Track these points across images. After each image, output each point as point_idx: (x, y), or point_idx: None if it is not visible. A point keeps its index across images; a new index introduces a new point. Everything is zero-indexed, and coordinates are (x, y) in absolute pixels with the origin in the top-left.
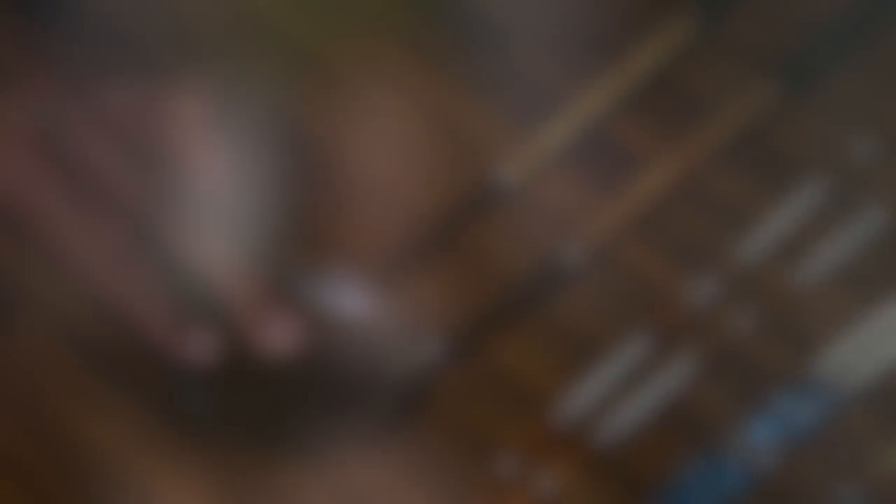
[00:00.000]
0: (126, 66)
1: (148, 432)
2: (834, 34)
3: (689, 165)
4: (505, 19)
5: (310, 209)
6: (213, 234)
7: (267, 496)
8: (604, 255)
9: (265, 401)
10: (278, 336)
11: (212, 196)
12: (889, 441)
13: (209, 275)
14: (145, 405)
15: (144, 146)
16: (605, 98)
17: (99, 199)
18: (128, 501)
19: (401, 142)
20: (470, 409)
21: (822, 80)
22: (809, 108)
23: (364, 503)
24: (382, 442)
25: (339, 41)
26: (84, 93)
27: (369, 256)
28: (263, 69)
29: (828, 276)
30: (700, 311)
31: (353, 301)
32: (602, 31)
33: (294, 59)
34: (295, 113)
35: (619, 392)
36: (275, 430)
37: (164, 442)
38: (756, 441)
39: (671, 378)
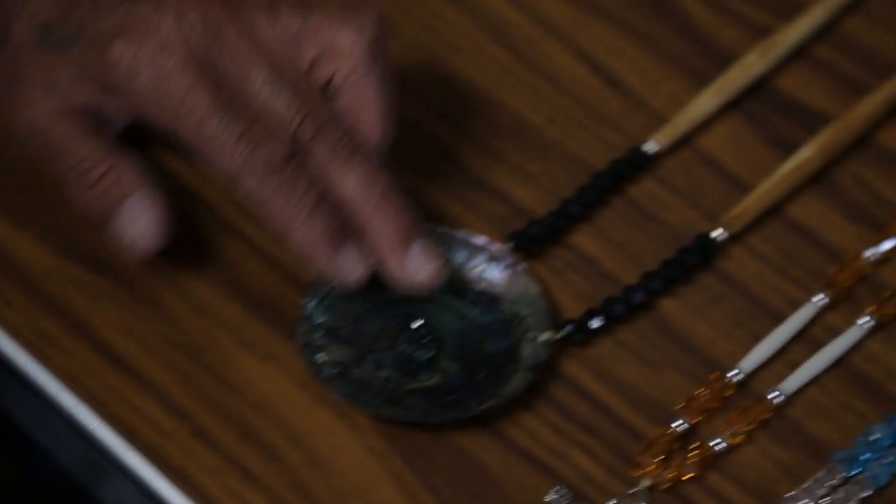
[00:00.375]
0: None
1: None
2: None
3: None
4: None
5: (474, 155)
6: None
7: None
8: (773, 215)
9: None
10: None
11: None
12: None
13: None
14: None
15: (296, 71)
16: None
17: (250, 120)
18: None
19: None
20: (644, 369)
21: None
22: None
23: None
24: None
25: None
26: (240, 14)
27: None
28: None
29: None
30: (878, 270)
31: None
32: None
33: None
34: (458, 63)
35: (797, 352)
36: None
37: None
38: None
39: (850, 338)
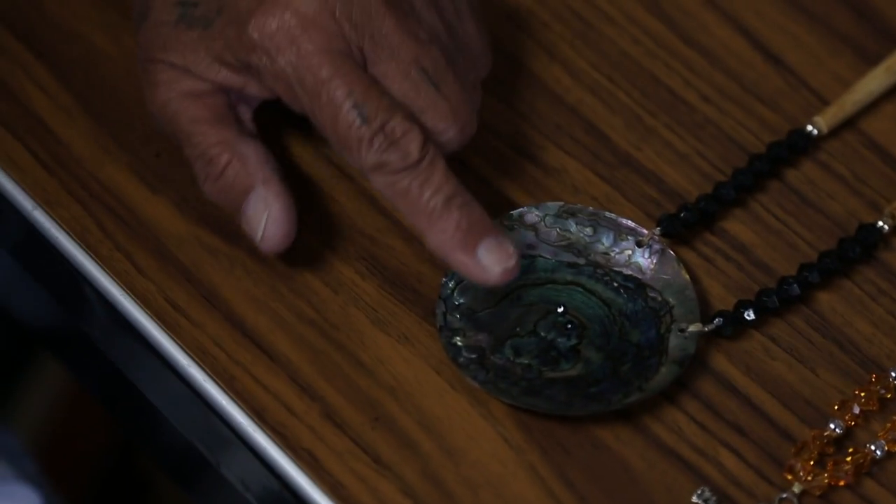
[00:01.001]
0: None
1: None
2: None
3: None
4: None
5: (623, 131)
6: None
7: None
8: None
9: None
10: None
11: None
12: None
13: None
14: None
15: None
16: None
17: (389, 112)
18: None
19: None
20: (797, 366)
21: None
22: None
23: None
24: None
25: None
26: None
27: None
28: None
29: None
30: None
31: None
32: None
33: None
34: (610, 32)
35: None
36: None
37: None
38: None
39: None
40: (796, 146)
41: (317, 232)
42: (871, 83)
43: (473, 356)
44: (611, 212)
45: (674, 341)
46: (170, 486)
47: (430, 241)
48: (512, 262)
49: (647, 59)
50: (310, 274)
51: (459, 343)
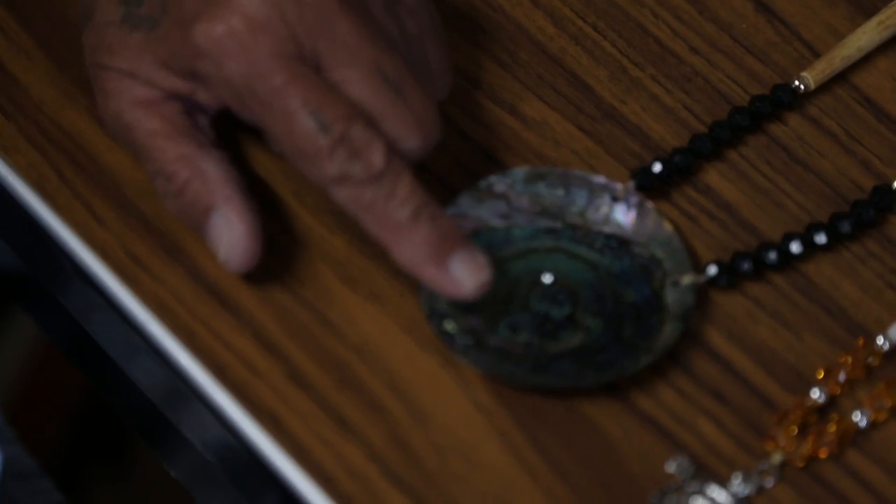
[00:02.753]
0: None
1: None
2: None
3: None
4: None
5: (607, 83)
6: None
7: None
8: None
9: None
10: None
11: None
12: None
13: None
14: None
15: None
16: None
17: (348, 120)
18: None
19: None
20: (781, 331)
21: None
22: None
23: None
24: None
25: None
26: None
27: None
28: None
29: None
30: None
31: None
32: None
33: None
34: None
35: None
36: None
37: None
38: None
39: None
40: (781, 101)
41: (286, 181)
42: (862, 38)
43: (470, 341)
44: (590, 168)
45: (670, 296)
46: (141, 445)
47: (399, 255)
48: (485, 275)
49: (635, 7)
50: (277, 226)
51: (451, 330)
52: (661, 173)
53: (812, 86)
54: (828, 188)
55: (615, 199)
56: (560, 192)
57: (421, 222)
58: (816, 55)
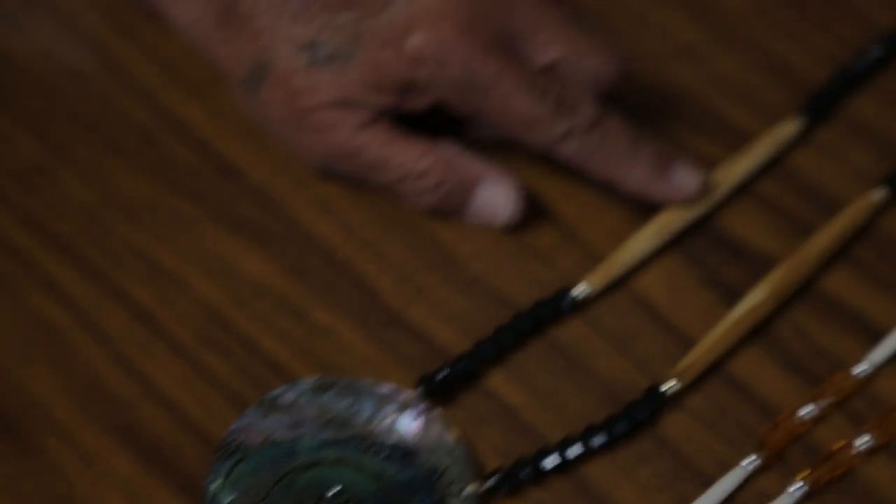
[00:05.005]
0: None
1: None
2: None
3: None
4: None
5: (394, 289)
6: None
7: None
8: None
9: None
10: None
11: None
12: None
13: None
14: None
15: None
16: None
17: (554, 83)
18: None
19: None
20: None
21: None
22: None
23: None
24: None
25: None
26: None
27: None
28: None
29: None
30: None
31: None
32: None
33: None
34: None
35: None
36: None
37: None
38: None
39: None
40: (561, 306)
41: (70, 397)
42: (642, 242)
43: None
44: (376, 375)
45: None
46: None
47: (629, 183)
48: (701, 174)
49: (419, 215)
50: (61, 445)
51: None
52: (445, 379)
53: (592, 290)
54: (606, 390)
55: (401, 407)
56: (347, 401)
57: (641, 147)
58: (598, 256)
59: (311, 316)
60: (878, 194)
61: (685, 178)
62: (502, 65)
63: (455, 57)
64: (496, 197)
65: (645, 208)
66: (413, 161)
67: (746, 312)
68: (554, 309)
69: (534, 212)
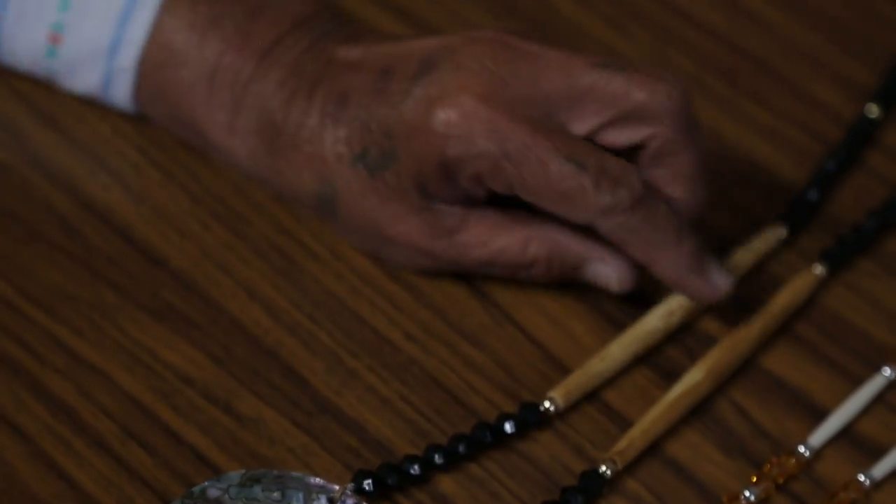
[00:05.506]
0: None
1: None
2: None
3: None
4: None
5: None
6: None
7: None
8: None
9: None
10: None
11: None
12: None
13: None
14: None
15: None
16: None
17: (595, 154)
18: None
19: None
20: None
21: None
22: None
23: None
24: None
25: None
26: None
27: None
28: None
29: None
30: None
31: None
32: None
33: None
34: None
35: None
36: None
37: None
38: None
39: None
40: (530, 420)
41: None
42: (608, 359)
43: None
44: (306, 467)
45: None
46: None
47: (665, 271)
48: (731, 279)
49: (352, 296)
50: None
51: None
52: (384, 479)
53: (562, 407)
54: (545, 475)
55: (331, 501)
56: (276, 495)
57: (684, 237)
58: (538, 345)
59: (237, 406)
60: (818, 269)
61: (720, 279)
62: (531, 132)
63: (480, 127)
64: (605, 273)
65: (612, 319)
66: (520, 253)
67: (684, 392)
68: (520, 423)
69: (467, 290)
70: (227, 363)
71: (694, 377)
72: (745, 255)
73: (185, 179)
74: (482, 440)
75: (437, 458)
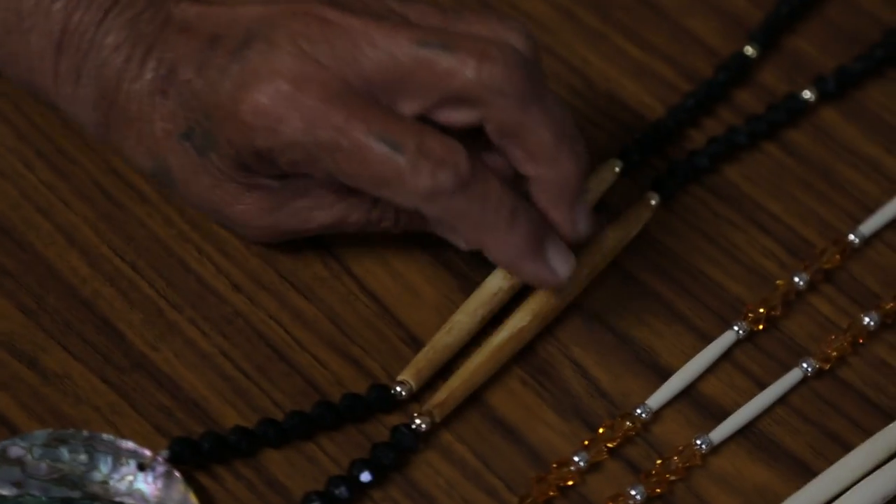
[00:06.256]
0: None
1: None
2: None
3: None
4: None
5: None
6: None
7: None
8: (472, 404)
9: None
10: None
11: None
12: None
13: None
14: None
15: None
16: None
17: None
18: None
19: None
20: None
21: None
22: None
23: None
24: None
25: None
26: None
27: None
28: None
29: None
30: (586, 480)
31: None
32: None
33: None
34: None
35: None
36: None
37: None
38: None
39: None
40: (382, 405)
41: None
42: (455, 329)
43: None
44: (112, 427)
45: None
46: None
47: (498, 255)
48: (573, 260)
49: (178, 243)
50: None
51: None
52: (204, 450)
53: (414, 389)
54: (364, 435)
55: (142, 467)
56: (83, 457)
57: (518, 221)
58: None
59: (43, 361)
60: (652, 199)
61: (556, 261)
62: (345, 115)
63: (290, 115)
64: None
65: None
66: (366, 212)
67: (508, 337)
68: (365, 407)
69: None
70: (38, 315)
71: (518, 321)
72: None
73: (12, 114)
74: (321, 422)
75: (269, 434)
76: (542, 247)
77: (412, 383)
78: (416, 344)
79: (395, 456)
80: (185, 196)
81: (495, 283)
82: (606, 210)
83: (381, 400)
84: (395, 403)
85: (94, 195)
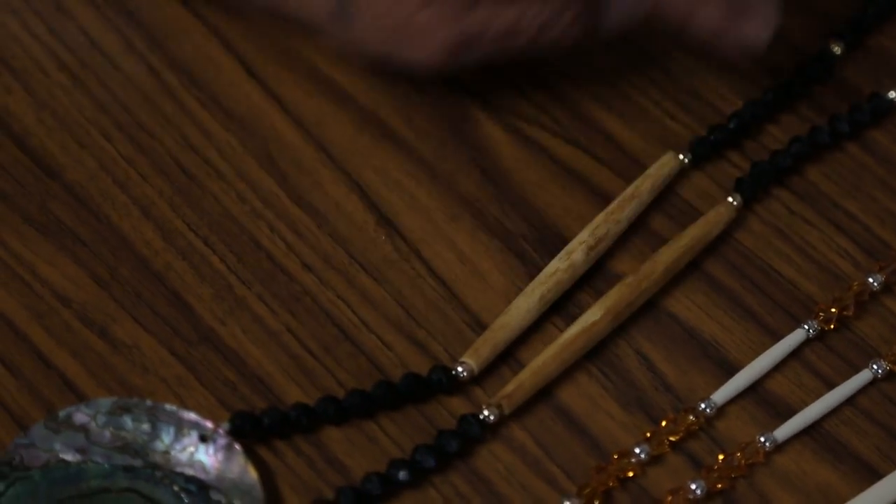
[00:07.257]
0: None
1: None
2: None
3: None
4: None
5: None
6: None
7: None
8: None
9: None
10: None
11: None
12: None
13: None
14: None
15: None
16: None
17: None
18: None
19: None
20: None
21: None
22: None
23: None
24: None
25: None
26: None
27: None
28: None
29: None
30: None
31: None
32: None
33: None
34: None
35: None
36: None
37: None
38: None
39: None
40: (438, 387)
41: None
42: (521, 312)
43: None
44: (177, 399)
45: None
46: None
47: (703, 25)
48: (775, 16)
49: (251, 219)
50: None
51: None
52: (264, 423)
53: (476, 370)
54: (429, 421)
55: (203, 438)
56: (146, 427)
57: None
58: (437, 277)
59: (113, 330)
60: (733, 200)
61: (758, 20)
62: None
63: None
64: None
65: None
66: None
67: (580, 332)
68: (426, 387)
69: (374, 218)
70: (110, 285)
71: (591, 316)
72: (644, 181)
73: (94, 85)
74: (382, 401)
75: (329, 411)
76: (741, 12)
77: (473, 365)
78: (482, 329)
79: (460, 444)
80: (363, 27)
81: (553, 265)
82: (679, 204)
83: (442, 381)
84: (456, 385)
85: (171, 170)
